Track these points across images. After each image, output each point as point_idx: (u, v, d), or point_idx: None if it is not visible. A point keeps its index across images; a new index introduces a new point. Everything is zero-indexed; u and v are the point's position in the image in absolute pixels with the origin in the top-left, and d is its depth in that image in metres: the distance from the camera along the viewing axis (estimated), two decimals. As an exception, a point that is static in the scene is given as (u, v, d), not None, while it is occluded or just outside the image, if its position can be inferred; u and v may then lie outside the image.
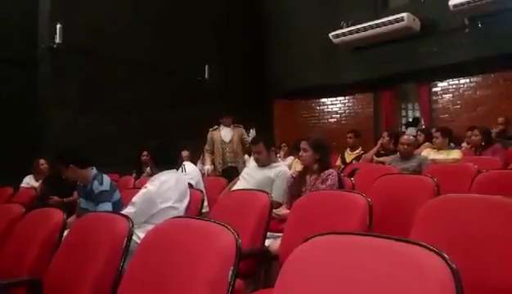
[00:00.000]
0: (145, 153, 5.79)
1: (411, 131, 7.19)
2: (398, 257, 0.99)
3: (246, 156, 6.13)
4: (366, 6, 8.41)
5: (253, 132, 5.55)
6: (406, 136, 4.55)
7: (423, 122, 8.49)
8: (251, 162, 3.83)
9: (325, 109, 9.93)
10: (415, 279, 0.92)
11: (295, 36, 9.13)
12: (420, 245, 0.98)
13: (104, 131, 6.63)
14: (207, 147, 5.67)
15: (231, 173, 5.06)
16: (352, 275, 1.04)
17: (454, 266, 0.91)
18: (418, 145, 5.45)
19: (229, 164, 5.53)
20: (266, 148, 3.43)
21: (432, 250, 0.96)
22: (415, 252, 0.97)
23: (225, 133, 5.57)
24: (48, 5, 6.57)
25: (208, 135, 5.66)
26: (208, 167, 5.55)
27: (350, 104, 9.64)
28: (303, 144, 3.04)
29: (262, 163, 3.47)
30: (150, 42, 7.51)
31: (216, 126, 5.67)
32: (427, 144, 5.42)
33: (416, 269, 0.94)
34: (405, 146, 4.37)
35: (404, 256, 0.98)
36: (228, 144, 5.56)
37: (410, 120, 8.71)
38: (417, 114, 8.92)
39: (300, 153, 3.08)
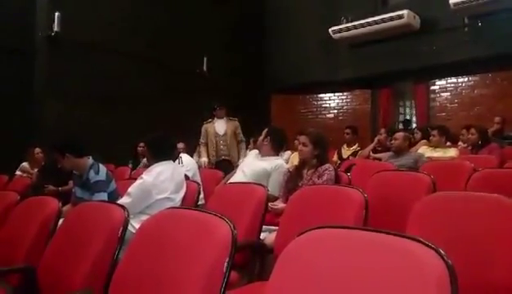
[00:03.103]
0: (141, 144, 5.78)
1: None
2: (394, 251, 0.99)
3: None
4: (366, 3, 8.39)
5: None
6: (399, 132, 4.61)
7: (414, 121, 8.54)
8: (249, 155, 3.83)
9: (323, 105, 9.93)
10: (411, 273, 0.92)
11: (294, 31, 9.11)
12: (416, 240, 0.98)
13: (100, 122, 6.60)
14: (202, 140, 5.66)
15: (225, 166, 5.03)
16: (347, 269, 1.04)
17: (450, 261, 0.91)
18: (415, 143, 5.48)
19: (222, 157, 5.50)
20: (271, 137, 3.43)
21: (428, 245, 0.96)
22: (411, 247, 0.97)
23: (219, 126, 5.54)
24: (47, -7, 6.53)
25: (203, 128, 5.65)
26: (204, 159, 5.54)
27: (348, 101, 9.65)
28: (303, 139, 3.05)
29: (259, 148, 3.50)
30: (149, 34, 7.48)
31: (210, 120, 5.65)
32: (423, 141, 5.45)
33: (412, 263, 0.94)
34: (392, 141, 4.44)
35: (400, 250, 0.98)
36: (222, 136, 5.53)
37: (404, 122, 8.75)
38: (414, 112, 8.95)
39: (300, 148, 3.09)
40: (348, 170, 4.04)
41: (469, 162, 3.45)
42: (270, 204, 2.65)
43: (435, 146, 4.92)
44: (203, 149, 5.64)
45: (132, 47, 7.20)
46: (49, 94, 6.52)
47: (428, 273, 0.91)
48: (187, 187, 3.02)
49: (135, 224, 2.36)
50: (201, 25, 8.23)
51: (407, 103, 9.32)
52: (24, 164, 5.52)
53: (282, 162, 3.48)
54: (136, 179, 2.96)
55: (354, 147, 5.81)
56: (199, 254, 1.35)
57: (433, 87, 8.42)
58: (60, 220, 2.24)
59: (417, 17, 7.55)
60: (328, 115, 9.80)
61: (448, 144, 5.18)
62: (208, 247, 1.35)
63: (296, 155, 4.02)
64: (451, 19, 7.23)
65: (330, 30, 8.27)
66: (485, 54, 6.96)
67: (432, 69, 7.83)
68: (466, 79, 8.04)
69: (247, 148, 6.04)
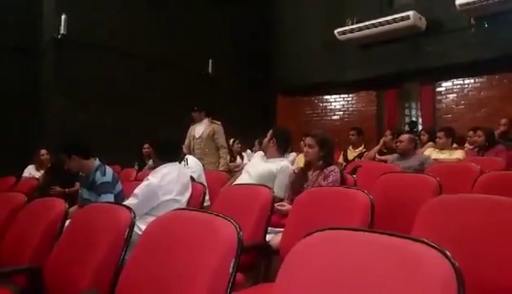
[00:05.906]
0: (146, 145, 5.77)
1: None
2: (400, 254, 0.99)
3: (248, 151, 6.09)
4: (371, 4, 8.37)
5: None
6: (404, 134, 4.59)
7: (420, 123, 8.49)
8: (255, 157, 3.83)
9: (329, 106, 9.91)
10: (417, 275, 0.92)
11: (300, 32, 9.09)
12: (422, 242, 0.98)
13: (106, 123, 6.62)
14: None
15: None
16: (352, 271, 1.03)
17: (456, 264, 0.91)
18: (421, 145, 5.46)
19: None
20: (276, 139, 3.43)
21: (434, 247, 0.95)
22: (417, 249, 0.97)
23: (199, 128, 5.28)
24: (54, -5, 6.58)
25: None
26: None
27: (353, 102, 9.62)
28: (309, 141, 3.05)
29: (264, 149, 3.51)
30: (154, 35, 7.50)
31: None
32: (430, 143, 5.42)
33: (418, 265, 0.93)
34: (398, 143, 4.43)
35: (406, 252, 0.98)
36: (197, 139, 5.24)
37: (410, 124, 8.69)
38: (420, 114, 8.90)
39: (305, 149, 3.08)
40: (353, 172, 4.03)
41: (476, 164, 3.42)
42: (276, 204, 2.65)
43: (441, 148, 4.89)
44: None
45: (138, 49, 7.23)
46: (55, 95, 6.55)
47: (435, 274, 0.90)
48: (193, 188, 3.02)
49: (141, 226, 2.36)
50: (207, 27, 8.24)
51: (413, 104, 9.26)
52: (30, 168, 5.54)
53: (288, 164, 3.47)
54: (141, 180, 2.97)
55: (360, 149, 5.79)
56: (204, 255, 1.36)
57: (439, 89, 8.38)
58: (67, 222, 2.25)
59: (423, 18, 7.53)
60: (333, 117, 9.78)
61: (454, 146, 5.16)
62: (214, 249, 1.35)
63: (302, 157, 4.01)
64: (458, 20, 7.20)
65: (335, 31, 8.26)
66: (491, 55, 6.93)
67: (438, 71, 7.79)
68: (473, 81, 7.99)
69: (252, 150, 5.99)
